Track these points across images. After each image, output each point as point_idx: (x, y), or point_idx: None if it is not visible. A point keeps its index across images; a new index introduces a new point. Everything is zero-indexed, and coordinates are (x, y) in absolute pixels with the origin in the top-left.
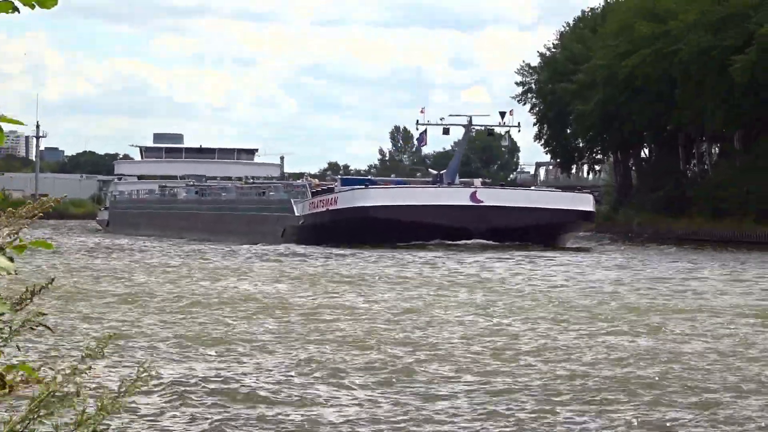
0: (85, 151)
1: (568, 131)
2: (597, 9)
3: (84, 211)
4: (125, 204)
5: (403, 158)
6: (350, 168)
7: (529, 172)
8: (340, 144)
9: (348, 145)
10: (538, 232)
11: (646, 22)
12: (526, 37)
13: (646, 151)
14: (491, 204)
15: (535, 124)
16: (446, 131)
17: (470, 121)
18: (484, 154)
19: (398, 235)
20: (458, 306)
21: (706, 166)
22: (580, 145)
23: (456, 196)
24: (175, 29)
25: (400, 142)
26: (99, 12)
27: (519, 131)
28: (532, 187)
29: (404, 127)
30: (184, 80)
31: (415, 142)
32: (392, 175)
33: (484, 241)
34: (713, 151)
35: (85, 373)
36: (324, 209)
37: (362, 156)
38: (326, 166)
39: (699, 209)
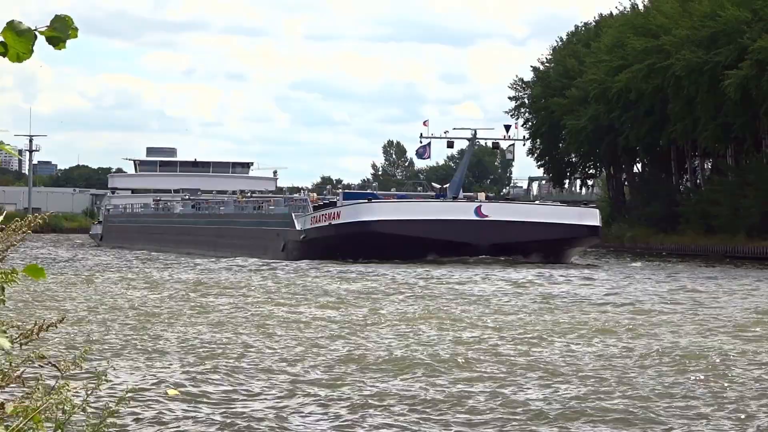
0: (78, 165)
1: (561, 146)
2: (590, 24)
3: (77, 225)
4: (119, 218)
5: (396, 172)
6: (343, 182)
7: (522, 187)
8: (333, 158)
9: (340, 160)
10: (545, 247)
11: (638, 37)
12: (518, 53)
13: (639, 166)
14: (496, 219)
15: (528, 139)
16: (450, 144)
17: (475, 134)
18: (477, 168)
19: (402, 250)
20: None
21: (698, 182)
22: (573, 159)
23: (461, 210)
24: (167, 44)
25: (393, 156)
26: (90, 27)
27: (524, 144)
28: (537, 202)
29: (397, 142)
30: (176, 95)
31: (411, 156)
32: (393, 189)
33: (491, 257)
34: (706, 166)
35: (66, 389)
36: (326, 223)
37: (354, 170)
38: (319, 180)
39: (691, 225)
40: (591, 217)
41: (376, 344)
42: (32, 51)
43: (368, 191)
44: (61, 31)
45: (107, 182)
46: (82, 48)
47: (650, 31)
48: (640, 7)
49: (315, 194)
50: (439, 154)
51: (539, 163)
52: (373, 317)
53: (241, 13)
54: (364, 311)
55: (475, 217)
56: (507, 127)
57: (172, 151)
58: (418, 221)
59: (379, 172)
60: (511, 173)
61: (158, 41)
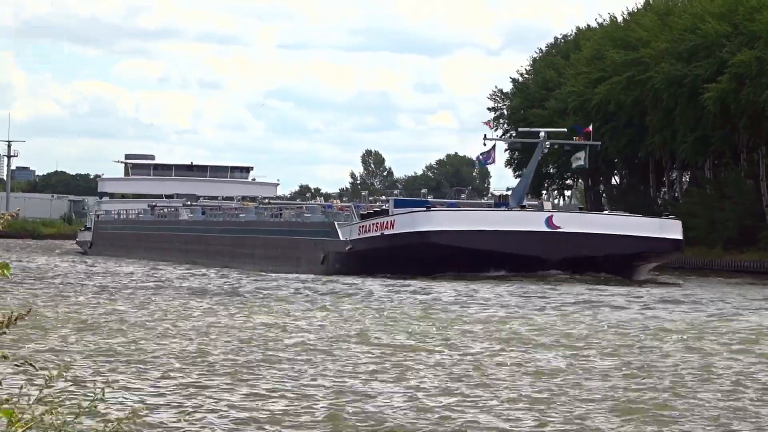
0: (56, 171)
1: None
2: (569, 36)
3: (55, 231)
4: (113, 224)
5: (375, 181)
6: (321, 191)
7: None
8: (307, 167)
9: (315, 168)
10: (621, 262)
11: (617, 50)
12: (492, 63)
13: (618, 177)
14: (570, 230)
15: (506, 150)
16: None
17: (546, 137)
18: (455, 178)
19: (464, 264)
20: None
21: (676, 194)
22: (551, 170)
23: (530, 221)
24: (141, 52)
25: (372, 165)
26: (64, 34)
27: (599, 149)
28: (605, 211)
29: (376, 151)
30: (150, 102)
31: (390, 165)
32: (427, 196)
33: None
34: (684, 179)
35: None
36: (378, 234)
37: (331, 179)
38: (297, 188)
39: None
40: (673, 230)
41: None
42: None
43: (422, 198)
44: None
45: (96, 187)
46: (56, 56)
47: (629, 44)
48: (620, 19)
49: (337, 201)
50: (417, 164)
51: (517, 173)
52: None
53: (214, 21)
54: None
55: (546, 229)
56: (578, 130)
57: (150, 158)
58: (483, 232)
59: (358, 181)
60: (489, 183)
61: (132, 49)
